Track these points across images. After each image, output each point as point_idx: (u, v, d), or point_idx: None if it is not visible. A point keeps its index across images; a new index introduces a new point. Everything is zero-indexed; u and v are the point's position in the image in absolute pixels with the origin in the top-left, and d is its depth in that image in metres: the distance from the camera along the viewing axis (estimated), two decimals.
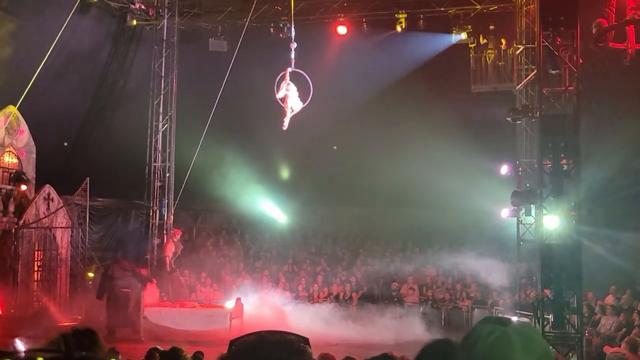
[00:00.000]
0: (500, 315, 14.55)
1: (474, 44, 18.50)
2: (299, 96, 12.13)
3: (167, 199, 18.78)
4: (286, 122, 12.07)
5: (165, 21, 18.85)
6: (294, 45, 11.86)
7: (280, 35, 18.15)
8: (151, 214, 18.94)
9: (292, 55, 11.75)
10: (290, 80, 11.84)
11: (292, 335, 2.55)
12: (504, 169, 17.25)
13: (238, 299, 15.39)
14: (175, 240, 17.36)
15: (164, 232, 18.58)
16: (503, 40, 18.29)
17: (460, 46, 18.70)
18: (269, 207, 20.27)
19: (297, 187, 19.88)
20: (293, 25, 12.78)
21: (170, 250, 17.11)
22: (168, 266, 16.82)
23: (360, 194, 19.97)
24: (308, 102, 11.77)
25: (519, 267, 16.70)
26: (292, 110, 11.87)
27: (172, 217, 18.73)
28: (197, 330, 14.02)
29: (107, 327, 14.26)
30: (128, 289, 14.70)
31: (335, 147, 20.26)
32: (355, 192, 19.93)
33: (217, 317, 14.54)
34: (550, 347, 2.22)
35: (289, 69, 11.78)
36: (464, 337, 2.45)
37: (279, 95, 11.74)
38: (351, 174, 19.44)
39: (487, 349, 2.32)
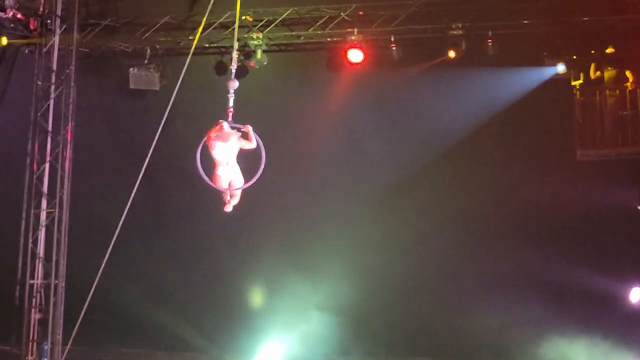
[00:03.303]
0: None
1: (580, 81, 15.62)
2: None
3: (52, 343, 15.51)
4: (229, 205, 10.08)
5: (57, 40, 15.98)
6: (234, 85, 9.79)
7: (252, 64, 15.57)
8: None
9: (231, 103, 9.76)
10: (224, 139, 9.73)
11: None
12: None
13: None
14: None
15: None
16: (629, 75, 15.61)
17: (558, 84, 15.69)
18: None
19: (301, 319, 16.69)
20: (236, 48, 10.92)
21: None
22: None
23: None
24: (256, 178, 9.61)
25: None
26: (232, 193, 9.92)
27: None
28: None
29: None
30: None
31: None
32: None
33: None
34: None
35: (224, 124, 9.60)
36: None
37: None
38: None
39: None
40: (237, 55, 10.93)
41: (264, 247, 16.54)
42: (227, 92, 9.78)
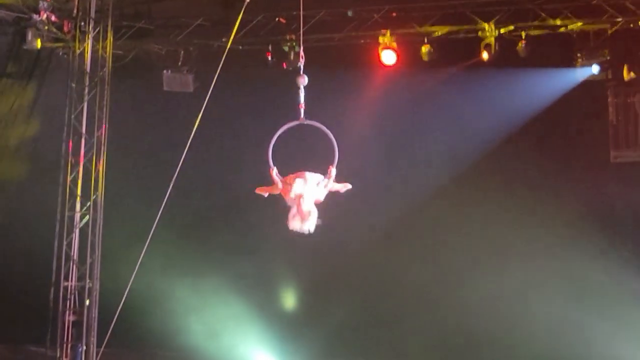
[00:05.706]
0: None
1: (614, 82, 15.42)
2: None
3: (86, 344, 15.56)
4: (302, 223, 8.64)
5: (90, 42, 15.85)
6: (303, 81, 9.28)
7: (285, 65, 15.57)
8: None
9: (302, 100, 9.19)
10: None
11: None
12: None
13: None
14: None
15: None
16: None
17: (591, 86, 15.53)
18: None
19: (310, 330, 16.55)
20: (302, 49, 10.11)
21: None
22: None
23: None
24: (330, 181, 8.66)
25: None
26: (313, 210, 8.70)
27: None
28: None
29: None
30: None
31: None
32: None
33: None
34: None
35: (308, 176, 8.76)
36: None
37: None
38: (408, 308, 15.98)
39: None
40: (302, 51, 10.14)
41: (297, 253, 16.36)
42: (297, 88, 9.34)
